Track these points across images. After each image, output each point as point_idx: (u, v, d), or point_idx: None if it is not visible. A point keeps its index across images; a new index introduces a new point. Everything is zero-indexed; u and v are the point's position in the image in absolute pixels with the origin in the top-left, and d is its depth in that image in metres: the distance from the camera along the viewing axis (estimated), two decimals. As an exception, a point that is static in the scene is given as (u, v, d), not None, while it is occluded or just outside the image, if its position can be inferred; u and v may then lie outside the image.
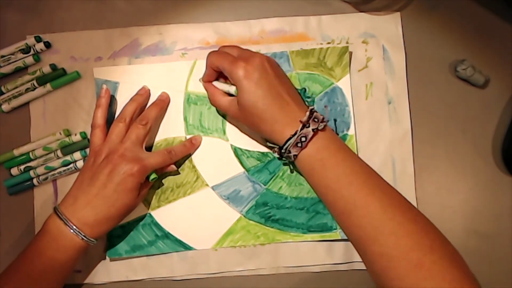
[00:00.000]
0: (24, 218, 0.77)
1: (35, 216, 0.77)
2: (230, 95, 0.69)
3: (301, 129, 0.63)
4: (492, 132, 0.76)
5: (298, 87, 0.75)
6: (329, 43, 0.77)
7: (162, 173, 0.75)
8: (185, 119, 0.76)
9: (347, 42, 0.77)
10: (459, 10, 0.78)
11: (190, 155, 0.76)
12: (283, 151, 0.65)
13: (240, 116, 0.67)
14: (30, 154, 0.77)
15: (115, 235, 0.75)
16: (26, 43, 0.77)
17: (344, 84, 0.75)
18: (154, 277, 0.75)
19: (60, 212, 0.66)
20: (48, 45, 0.78)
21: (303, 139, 0.63)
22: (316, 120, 0.64)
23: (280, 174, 0.75)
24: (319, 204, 0.74)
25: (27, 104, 0.78)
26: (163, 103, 0.76)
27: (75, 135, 0.76)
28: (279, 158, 0.68)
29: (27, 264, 0.66)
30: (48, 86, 0.77)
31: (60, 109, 0.78)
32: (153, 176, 0.72)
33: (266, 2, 0.78)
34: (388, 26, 0.77)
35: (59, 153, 0.76)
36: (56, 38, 0.79)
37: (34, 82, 0.77)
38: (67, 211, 0.66)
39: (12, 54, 0.78)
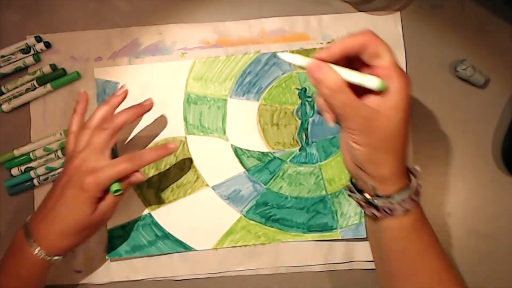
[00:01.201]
0: (25, 219, 0.76)
1: (35, 216, 0.77)
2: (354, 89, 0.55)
3: (416, 182, 0.57)
4: (492, 132, 0.77)
5: (298, 86, 0.75)
6: (329, 42, 0.77)
7: (129, 183, 0.67)
8: (185, 119, 0.76)
9: (347, 42, 0.77)
10: (459, 10, 0.78)
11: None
12: (391, 199, 0.56)
13: (363, 123, 0.54)
14: (31, 154, 0.77)
15: (115, 236, 0.75)
16: (26, 43, 0.77)
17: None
18: (155, 277, 0.75)
19: (28, 225, 0.63)
20: (48, 45, 0.78)
21: (406, 206, 0.56)
22: (419, 189, 0.58)
23: (281, 174, 0.75)
24: (319, 204, 0.74)
25: (27, 104, 0.78)
26: (141, 108, 0.69)
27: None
28: (350, 195, 0.61)
29: None
30: (48, 86, 0.77)
31: (60, 109, 0.78)
32: (115, 188, 0.64)
33: (266, 2, 0.78)
34: (388, 26, 0.77)
35: (59, 153, 0.76)
36: (56, 38, 0.79)
37: (34, 82, 0.77)
38: (31, 225, 0.63)
39: (12, 54, 0.78)
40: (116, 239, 0.75)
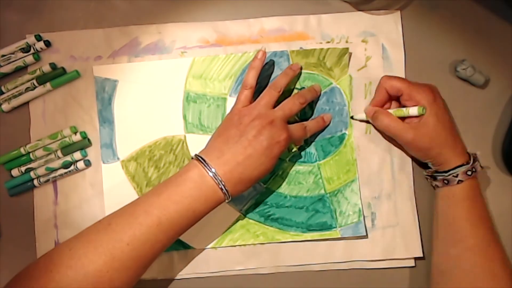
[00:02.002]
0: (25, 219, 0.77)
1: (35, 217, 0.77)
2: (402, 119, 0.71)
3: (473, 161, 0.69)
4: (492, 132, 0.77)
5: (298, 86, 0.75)
6: (328, 42, 0.77)
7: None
8: (185, 117, 0.76)
9: (346, 41, 0.77)
10: (459, 10, 0.78)
11: None
12: (446, 174, 0.69)
13: (418, 138, 0.69)
14: (31, 155, 0.77)
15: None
16: (27, 42, 0.77)
17: (342, 84, 0.75)
18: (154, 276, 0.75)
19: (206, 162, 0.65)
20: (48, 44, 0.78)
21: (474, 169, 0.68)
22: (478, 160, 0.70)
23: (280, 173, 0.75)
24: (319, 203, 0.74)
25: (27, 103, 0.78)
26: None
27: (75, 134, 0.76)
28: (430, 178, 0.73)
29: (161, 211, 0.63)
30: (48, 86, 0.77)
31: (59, 108, 0.78)
32: (294, 148, 0.73)
33: (266, 1, 0.79)
34: (388, 25, 0.78)
35: (59, 153, 0.76)
36: (56, 37, 0.79)
37: (34, 81, 0.77)
38: (214, 163, 0.65)
39: (12, 53, 0.78)
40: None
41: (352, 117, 0.76)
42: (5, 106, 0.78)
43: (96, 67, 0.77)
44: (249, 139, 0.66)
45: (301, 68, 0.75)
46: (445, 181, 0.69)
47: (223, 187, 0.64)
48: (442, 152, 0.69)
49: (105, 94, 0.77)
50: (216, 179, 0.64)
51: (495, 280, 0.66)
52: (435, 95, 0.69)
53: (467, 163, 0.68)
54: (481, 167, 0.69)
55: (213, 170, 0.64)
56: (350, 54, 0.76)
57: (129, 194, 0.76)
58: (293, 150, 0.73)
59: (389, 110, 0.72)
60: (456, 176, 0.68)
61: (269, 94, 0.70)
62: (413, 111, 0.69)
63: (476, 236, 0.67)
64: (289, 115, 0.70)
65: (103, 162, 0.76)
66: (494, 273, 0.66)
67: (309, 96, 0.73)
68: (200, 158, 0.65)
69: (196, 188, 0.64)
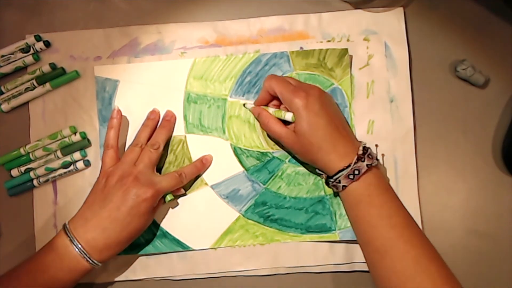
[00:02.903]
0: (24, 219, 0.77)
1: (35, 217, 0.77)
2: (283, 122, 0.70)
3: (355, 163, 0.64)
4: (492, 132, 0.76)
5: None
6: (329, 41, 0.77)
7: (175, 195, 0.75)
8: (185, 118, 0.76)
9: (347, 40, 0.77)
10: (459, 10, 0.78)
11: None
12: (331, 180, 0.66)
13: (295, 144, 0.68)
14: (30, 155, 0.77)
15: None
16: (26, 42, 0.77)
17: (344, 84, 0.75)
18: (153, 277, 0.75)
19: (69, 231, 0.66)
20: (47, 44, 0.78)
21: (356, 172, 0.64)
22: (370, 156, 0.66)
23: (279, 173, 0.75)
24: (318, 205, 0.74)
25: (26, 103, 0.78)
26: (170, 123, 0.76)
27: (75, 134, 0.76)
28: (327, 184, 0.69)
29: (29, 278, 0.65)
30: (48, 86, 0.77)
31: (59, 108, 0.78)
32: (170, 197, 0.72)
33: (266, 1, 0.78)
34: (391, 22, 0.77)
35: (59, 153, 0.76)
36: (55, 37, 0.79)
37: (34, 81, 0.77)
38: (77, 232, 0.66)
39: (12, 53, 0.78)
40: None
41: (244, 105, 0.76)
42: (5, 106, 0.78)
43: (97, 67, 0.77)
44: (114, 201, 0.66)
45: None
46: (334, 187, 0.67)
47: (85, 256, 0.65)
48: (318, 158, 0.67)
49: (105, 94, 0.77)
50: (78, 249, 0.65)
51: (410, 282, 0.60)
52: (309, 99, 0.66)
53: (349, 166, 0.64)
54: (368, 165, 0.65)
55: (74, 240, 0.65)
56: (351, 56, 0.76)
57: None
58: (168, 200, 0.72)
59: (271, 110, 0.72)
60: (339, 182, 0.65)
61: (131, 151, 0.72)
62: (288, 116, 0.69)
63: (378, 238, 0.63)
64: (151, 164, 0.71)
65: (103, 163, 0.76)
66: (406, 274, 0.60)
67: (162, 138, 0.74)
68: (65, 227, 0.67)
69: (59, 259, 0.65)
